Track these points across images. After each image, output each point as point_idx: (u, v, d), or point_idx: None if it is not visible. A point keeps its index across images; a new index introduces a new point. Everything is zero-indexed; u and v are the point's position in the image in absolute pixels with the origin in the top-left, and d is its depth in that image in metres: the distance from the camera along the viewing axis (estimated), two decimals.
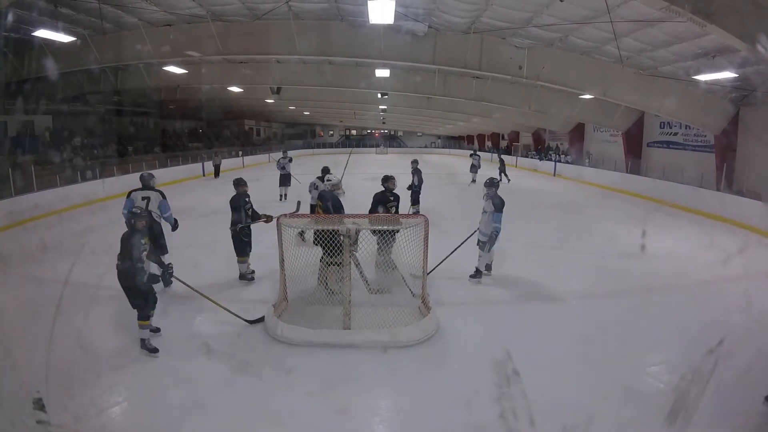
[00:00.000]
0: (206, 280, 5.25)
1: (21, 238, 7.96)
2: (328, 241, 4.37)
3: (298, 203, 6.57)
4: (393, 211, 5.50)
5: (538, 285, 5.60)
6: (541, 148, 23.56)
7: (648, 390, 3.46)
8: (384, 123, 34.52)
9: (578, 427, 2.88)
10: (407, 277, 4.85)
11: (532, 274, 5.95)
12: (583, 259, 6.86)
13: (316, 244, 4.51)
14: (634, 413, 3.09)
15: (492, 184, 5.50)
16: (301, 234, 5.33)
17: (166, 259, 5.21)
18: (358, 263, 4.48)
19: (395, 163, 19.82)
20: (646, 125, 15.52)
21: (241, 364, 3.69)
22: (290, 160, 12.14)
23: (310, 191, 7.38)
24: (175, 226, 5.40)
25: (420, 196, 8.99)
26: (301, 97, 20.60)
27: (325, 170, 7.44)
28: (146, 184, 5.41)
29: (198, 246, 6.89)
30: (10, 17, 8.31)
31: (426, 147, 40.12)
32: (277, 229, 4.28)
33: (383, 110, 25.86)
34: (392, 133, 42.58)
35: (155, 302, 3.96)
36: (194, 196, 12.82)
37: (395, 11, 7.28)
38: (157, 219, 5.33)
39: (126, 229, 3.95)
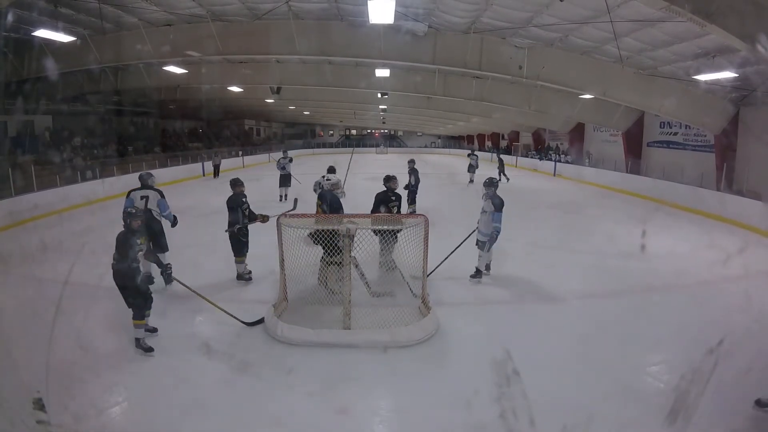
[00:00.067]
0: (206, 280, 5.26)
1: (21, 238, 7.96)
2: (327, 241, 4.38)
3: (295, 200, 6.57)
4: (395, 211, 5.50)
5: (538, 285, 5.60)
6: (541, 148, 23.55)
7: (648, 390, 3.46)
8: (384, 123, 34.51)
9: (578, 427, 2.87)
10: (408, 277, 4.85)
11: (532, 274, 5.94)
12: (583, 259, 6.86)
13: (316, 243, 4.53)
14: (634, 413, 3.08)
15: (491, 183, 5.50)
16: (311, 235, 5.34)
17: (167, 258, 5.23)
18: (358, 264, 4.48)
19: (395, 163, 19.78)
20: (646, 125, 15.52)
21: (241, 364, 3.69)
22: (290, 160, 12.04)
23: (315, 190, 7.38)
24: (174, 223, 5.44)
25: (416, 195, 9.01)
26: (301, 97, 20.59)
27: (331, 170, 7.42)
28: (145, 183, 5.46)
29: (198, 246, 6.89)
30: (10, 17, 8.31)
31: (426, 147, 40.11)
32: (277, 229, 4.28)
33: (383, 110, 25.86)
34: (392, 133, 42.58)
35: (151, 302, 3.96)
36: (194, 196, 12.81)
37: (395, 11, 7.29)
38: (157, 217, 5.35)
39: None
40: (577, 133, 19.69)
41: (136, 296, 3.80)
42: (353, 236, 4.06)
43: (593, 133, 19.20)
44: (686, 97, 11.13)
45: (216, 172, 17.89)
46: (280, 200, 11.29)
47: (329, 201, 5.34)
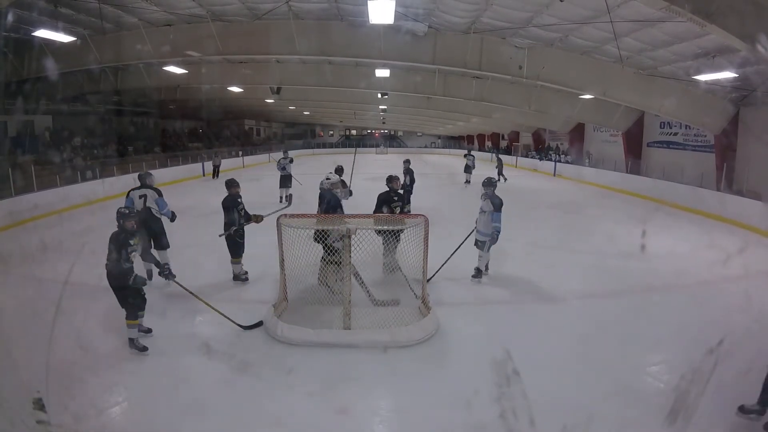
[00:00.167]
0: (206, 279, 5.26)
1: (21, 238, 7.97)
2: (327, 240, 4.38)
3: (290, 196, 6.54)
4: (398, 211, 5.49)
5: (538, 285, 5.60)
6: (541, 148, 23.56)
7: (648, 390, 3.46)
8: (384, 123, 34.50)
9: (578, 427, 2.87)
10: (410, 278, 4.84)
11: (532, 274, 5.95)
12: (583, 259, 6.86)
13: (317, 242, 4.53)
14: (634, 413, 3.08)
15: (490, 183, 5.49)
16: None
17: (168, 256, 5.23)
18: (357, 272, 4.42)
19: (395, 163, 19.75)
20: (646, 125, 15.52)
21: (241, 364, 3.69)
22: (291, 161, 11.69)
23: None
24: (173, 218, 5.50)
25: (411, 195, 9.05)
26: (301, 97, 20.59)
27: (339, 170, 7.35)
28: (143, 182, 5.50)
29: (198, 246, 6.89)
30: (10, 17, 8.31)
31: (426, 147, 40.12)
32: (277, 229, 4.27)
33: (383, 110, 25.85)
34: (392, 133, 42.57)
35: (144, 302, 3.96)
36: (194, 196, 12.79)
37: (395, 11, 7.28)
38: (156, 215, 5.37)
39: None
40: (577, 133, 19.70)
41: (129, 296, 3.80)
42: (350, 236, 4.06)
43: (593, 133, 19.21)
44: (686, 97, 11.14)
45: (216, 172, 17.76)
46: (280, 201, 10.88)
47: (327, 200, 5.34)
